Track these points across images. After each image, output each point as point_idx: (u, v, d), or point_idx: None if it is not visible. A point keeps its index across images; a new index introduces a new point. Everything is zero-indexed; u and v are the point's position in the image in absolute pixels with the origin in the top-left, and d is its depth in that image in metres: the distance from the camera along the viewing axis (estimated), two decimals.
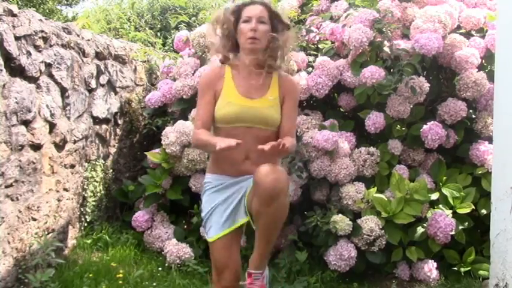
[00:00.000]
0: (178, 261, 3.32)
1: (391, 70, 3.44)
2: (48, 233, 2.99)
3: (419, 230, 3.24)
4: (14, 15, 2.64)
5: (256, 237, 2.15)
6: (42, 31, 2.87)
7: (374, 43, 3.45)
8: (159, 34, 6.86)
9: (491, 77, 3.16)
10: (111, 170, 3.94)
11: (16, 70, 2.64)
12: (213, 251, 2.23)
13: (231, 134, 2.14)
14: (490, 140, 3.17)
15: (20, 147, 2.66)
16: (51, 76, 3.02)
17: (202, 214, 2.28)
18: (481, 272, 3.21)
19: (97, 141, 3.73)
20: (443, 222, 3.14)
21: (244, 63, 2.24)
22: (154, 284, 3.03)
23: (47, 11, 8.11)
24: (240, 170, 2.18)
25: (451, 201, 3.30)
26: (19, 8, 2.76)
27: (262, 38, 2.19)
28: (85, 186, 3.54)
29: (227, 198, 2.21)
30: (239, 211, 2.20)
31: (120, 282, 2.95)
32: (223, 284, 2.20)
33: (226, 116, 2.19)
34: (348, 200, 3.26)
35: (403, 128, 3.49)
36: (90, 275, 2.98)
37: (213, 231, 2.21)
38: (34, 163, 2.80)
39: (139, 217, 3.63)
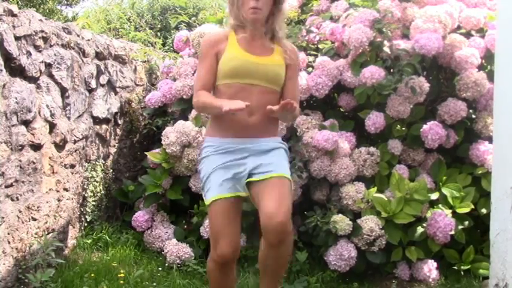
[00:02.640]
0: (178, 261, 3.32)
1: (391, 70, 3.44)
2: (48, 233, 2.99)
3: (419, 229, 3.24)
4: (14, 15, 2.64)
5: (264, 277, 2.17)
6: (42, 31, 2.86)
7: (374, 43, 3.45)
8: (159, 34, 6.87)
9: (491, 77, 3.16)
10: (111, 170, 3.94)
11: (16, 70, 2.64)
12: (210, 215, 2.17)
13: (234, 92, 2.14)
14: (490, 140, 3.18)
15: (20, 147, 2.66)
16: (51, 76, 3.02)
17: (201, 175, 2.22)
18: (480, 271, 3.21)
19: (97, 141, 3.73)
20: (443, 222, 3.14)
21: (248, 29, 2.22)
22: (154, 284, 3.03)
23: (47, 11, 8.10)
24: (243, 131, 2.17)
25: (451, 201, 3.30)
26: (19, 8, 2.76)
27: (264, 8, 2.19)
28: (85, 186, 3.54)
29: (227, 162, 2.17)
30: (240, 183, 2.17)
31: (121, 282, 2.95)
32: (218, 253, 2.14)
33: (232, 70, 2.17)
34: (348, 200, 3.26)
35: (403, 128, 3.49)
36: (91, 275, 2.98)
37: (211, 192, 2.15)
38: (34, 163, 2.80)
39: (139, 217, 3.63)
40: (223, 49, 2.20)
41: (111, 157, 3.98)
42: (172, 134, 3.49)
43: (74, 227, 3.40)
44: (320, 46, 3.80)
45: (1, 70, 2.49)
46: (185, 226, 3.64)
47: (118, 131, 4.09)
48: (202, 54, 2.24)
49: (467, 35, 3.62)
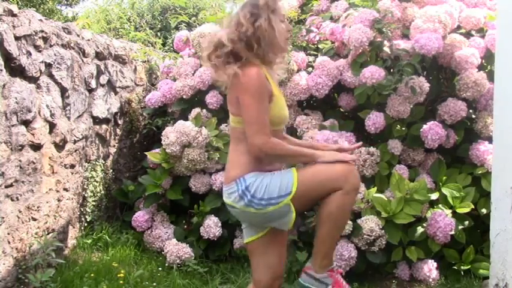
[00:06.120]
0: (178, 261, 3.32)
1: (391, 70, 3.44)
2: (48, 233, 2.99)
3: (419, 229, 3.24)
4: (14, 15, 2.64)
5: (327, 236, 2.09)
6: (42, 31, 2.87)
7: (374, 43, 3.45)
8: (159, 34, 6.87)
9: (491, 77, 3.16)
10: (111, 170, 3.94)
11: (16, 70, 2.64)
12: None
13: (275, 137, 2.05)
14: (490, 140, 3.17)
15: (20, 147, 2.66)
16: (51, 76, 3.02)
17: (263, 186, 1.95)
18: (480, 271, 3.21)
19: (97, 141, 3.73)
20: (443, 222, 3.14)
21: (270, 63, 2.05)
22: (154, 284, 3.03)
23: (47, 11, 8.10)
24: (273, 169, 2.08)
25: (451, 201, 3.30)
26: (19, 8, 2.76)
27: None
28: (85, 186, 3.54)
29: None
30: None
31: (121, 282, 2.95)
32: None
33: (284, 119, 2.09)
34: None
35: (403, 128, 3.49)
36: (91, 275, 2.98)
37: (288, 187, 1.98)
38: (34, 163, 2.80)
39: (139, 217, 3.63)
40: (271, 89, 1.99)
41: (111, 157, 3.98)
42: (172, 134, 3.49)
43: (74, 227, 3.40)
44: (320, 46, 3.80)
45: (1, 70, 2.50)
46: (185, 226, 3.63)
47: (118, 131, 4.09)
48: (259, 94, 1.93)
49: (467, 35, 3.62)
